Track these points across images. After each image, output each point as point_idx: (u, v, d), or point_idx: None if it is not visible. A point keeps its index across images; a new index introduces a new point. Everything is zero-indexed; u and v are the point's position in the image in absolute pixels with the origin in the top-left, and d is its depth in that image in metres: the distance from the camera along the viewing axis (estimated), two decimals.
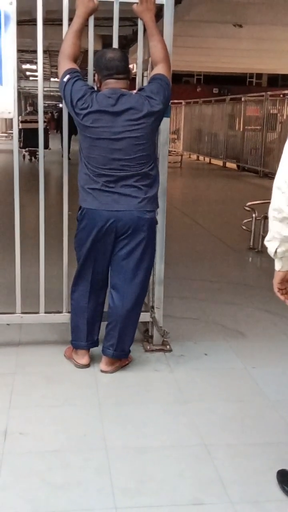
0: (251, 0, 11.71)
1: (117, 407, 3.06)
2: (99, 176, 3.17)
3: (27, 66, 25.87)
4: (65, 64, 3.22)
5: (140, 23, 3.41)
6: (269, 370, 3.54)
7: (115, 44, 3.47)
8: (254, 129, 16.68)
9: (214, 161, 19.56)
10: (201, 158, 21.02)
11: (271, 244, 2.18)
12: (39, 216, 3.62)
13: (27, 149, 15.68)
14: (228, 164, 18.26)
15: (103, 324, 3.48)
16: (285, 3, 11.04)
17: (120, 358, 3.45)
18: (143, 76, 3.54)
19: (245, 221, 7.09)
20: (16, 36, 3.36)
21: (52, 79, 26.88)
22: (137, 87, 3.38)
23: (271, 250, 2.19)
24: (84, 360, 3.47)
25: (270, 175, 13.76)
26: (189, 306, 4.64)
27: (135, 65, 3.69)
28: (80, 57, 3.69)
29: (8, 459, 2.57)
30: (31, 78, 31.34)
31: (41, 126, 3.63)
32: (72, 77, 3.16)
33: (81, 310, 3.44)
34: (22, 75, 29.54)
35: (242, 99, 17.46)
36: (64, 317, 3.67)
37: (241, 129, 17.47)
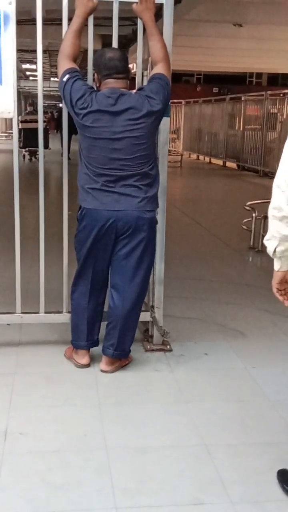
0: (250, 0, 11.71)
1: (117, 407, 3.06)
2: (99, 176, 3.17)
3: (27, 65, 25.85)
4: (64, 63, 3.22)
5: (139, 22, 3.41)
6: (269, 370, 3.54)
7: (115, 44, 3.47)
8: (254, 128, 16.68)
9: (214, 160, 19.56)
10: (201, 157, 21.03)
11: (270, 243, 2.17)
12: (39, 216, 3.62)
13: (27, 149, 15.68)
14: (228, 164, 18.26)
15: (103, 324, 3.48)
16: (285, 3, 11.03)
17: (120, 358, 3.45)
18: (143, 76, 3.54)
19: (245, 220, 7.09)
20: (16, 36, 3.36)
21: (52, 79, 26.87)
22: (136, 86, 3.38)
23: (270, 249, 2.18)
24: (84, 360, 3.46)
25: (270, 175, 13.75)
26: (189, 305, 4.64)
27: (134, 65, 3.69)
28: (80, 56, 3.69)
29: (8, 459, 2.57)
30: (31, 78, 31.34)
31: (41, 126, 3.62)
32: (72, 76, 3.15)
33: (81, 310, 3.44)
34: (22, 75, 29.54)
35: (242, 98, 17.46)
36: (64, 317, 3.67)
37: (241, 129, 17.47)
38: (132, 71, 3.59)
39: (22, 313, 3.67)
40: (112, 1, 3.38)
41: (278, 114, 15.52)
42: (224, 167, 18.31)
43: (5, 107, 3.42)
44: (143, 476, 2.49)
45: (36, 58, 3.56)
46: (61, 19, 3.37)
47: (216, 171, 17.35)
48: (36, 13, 3.33)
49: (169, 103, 3.35)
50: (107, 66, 3.16)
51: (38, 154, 3.74)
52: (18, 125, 13.13)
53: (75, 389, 3.23)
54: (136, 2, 3.31)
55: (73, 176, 3.35)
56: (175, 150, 21.20)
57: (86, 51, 3.47)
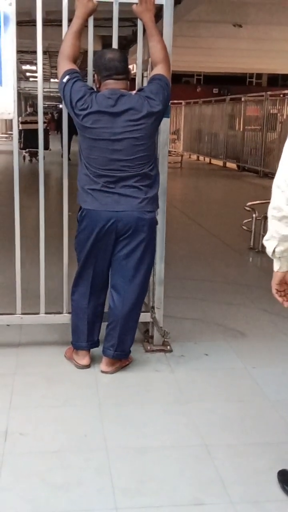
0: (250, 0, 11.72)
1: (118, 407, 3.06)
2: (99, 177, 3.17)
3: (27, 67, 25.88)
4: (64, 64, 3.22)
5: (139, 23, 3.42)
6: (269, 370, 3.55)
7: (115, 45, 3.48)
8: (254, 129, 16.68)
9: (214, 161, 19.56)
10: (201, 158, 21.02)
11: (269, 243, 2.17)
12: (39, 216, 3.62)
13: (27, 150, 15.68)
14: (228, 164, 18.26)
15: (104, 325, 3.48)
16: (284, 3, 11.04)
17: (121, 359, 3.45)
18: (143, 77, 3.54)
19: (245, 221, 7.09)
20: (16, 37, 3.36)
21: (52, 80, 26.89)
22: (136, 87, 3.38)
23: (269, 250, 2.18)
24: (84, 360, 3.47)
25: (270, 175, 13.75)
26: (189, 306, 4.64)
27: (134, 66, 3.69)
28: (80, 57, 3.69)
29: (8, 459, 2.57)
30: (31, 79, 31.36)
31: (41, 127, 3.63)
32: (72, 77, 3.16)
33: (81, 310, 3.44)
34: (22, 76, 29.55)
35: (242, 99, 17.46)
36: (64, 318, 3.67)
37: (241, 129, 17.47)
38: (132, 72, 3.59)
39: (22, 313, 3.68)
40: (112, 2, 3.39)
41: (278, 114, 15.52)
42: (224, 167, 18.31)
43: (5, 108, 3.42)
44: (143, 476, 2.49)
45: (36, 59, 3.57)
46: (61, 20, 3.37)
47: (216, 171, 17.35)
48: (36, 14, 3.34)
49: (169, 104, 3.35)
50: (107, 67, 3.17)
51: (38, 155, 3.74)
52: (18, 126, 13.14)
53: (75, 389, 3.24)
54: (136, 3, 3.32)
55: (73, 177, 3.35)
56: (175, 151, 21.20)
57: (86, 52, 3.47)
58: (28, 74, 29.65)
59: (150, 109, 3.14)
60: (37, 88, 3.67)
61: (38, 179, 3.59)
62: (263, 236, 2.22)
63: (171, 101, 3.47)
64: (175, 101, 21.99)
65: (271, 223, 2.14)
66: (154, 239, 3.38)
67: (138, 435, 2.80)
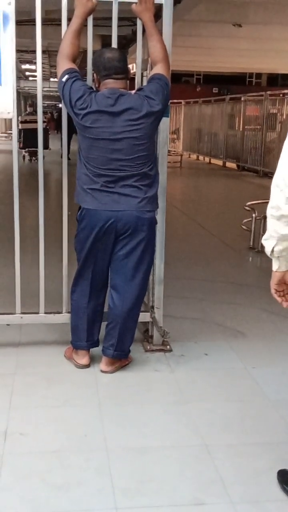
0: (250, 0, 11.71)
1: (117, 407, 3.06)
2: (99, 176, 3.17)
3: (27, 66, 25.88)
4: (64, 64, 3.21)
5: (139, 23, 3.41)
6: (269, 370, 3.54)
7: (114, 44, 3.47)
8: (254, 128, 16.68)
9: (214, 160, 19.55)
10: (201, 158, 21.02)
11: (268, 242, 2.16)
12: (39, 216, 3.62)
13: (26, 149, 15.67)
14: (228, 164, 18.26)
15: (103, 324, 3.48)
16: (284, 3, 11.03)
17: (120, 358, 3.45)
18: (142, 76, 3.54)
19: (245, 220, 7.09)
20: (15, 36, 3.35)
21: (51, 79, 26.90)
22: (136, 87, 3.38)
23: (268, 249, 2.17)
24: (84, 360, 3.46)
25: (270, 175, 13.74)
26: (189, 306, 4.64)
27: (134, 65, 3.69)
28: (80, 57, 3.68)
29: (8, 459, 2.57)
30: (30, 78, 31.36)
31: (40, 126, 3.62)
32: (71, 77, 3.15)
33: (81, 310, 3.43)
34: (21, 75, 29.55)
35: (242, 98, 17.45)
36: (64, 318, 3.67)
37: (241, 129, 17.47)
38: (132, 71, 3.59)
39: (22, 313, 3.67)
40: (112, 2, 3.39)
41: (278, 114, 15.52)
42: (224, 167, 18.31)
43: (4, 108, 3.42)
44: (143, 476, 2.49)
45: (35, 59, 3.56)
46: (60, 20, 3.37)
47: (216, 171, 17.35)
48: (35, 14, 3.33)
49: (169, 103, 3.35)
50: (106, 67, 3.16)
51: (38, 155, 3.74)
52: (18, 126, 13.12)
53: (75, 389, 3.23)
54: (136, 3, 3.31)
55: (73, 176, 3.35)
56: (174, 151, 21.19)
57: (85, 51, 3.47)
58: (27, 73, 29.67)
59: (150, 109, 3.14)
60: (36, 87, 3.67)
61: (38, 178, 3.59)
62: (262, 235, 2.21)
63: (170, 101, 3.47)
64: (175, 101, 21.98)
65: (270, 222, 2.14)
66: (153, 238, 3.37)
67: (138, 435, 2.80)
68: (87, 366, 3.46)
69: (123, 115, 3.10)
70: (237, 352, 3.78)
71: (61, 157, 3.85)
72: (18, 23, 3.47)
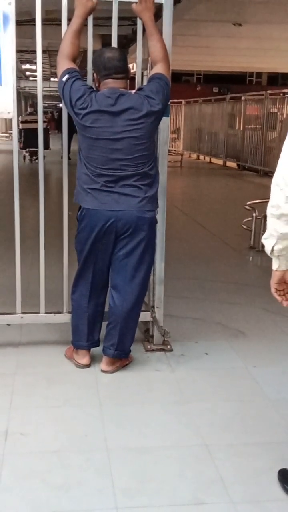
0: None
1: (118, 407, 3.06)
2: (99, 176, 3.16)
3: (27, 66, 25.87)
4: (64, 64, 3.21)
5: (139, 22, 3.41)
6: (270, 369, 3.54)
7: (115, 44, 3.47)
8: (254, 128, 16.68)
9: (214, 160, 19.55)
10: (201, 157, 21.02)
11: (268, 241, 2.16)
12: (39, 216, 3.62)
13: (27, 149, 15.67)
14: (229, 163, 18.26)
15: (104, 324, 3.48)
16: (284, 2, 11.02)
17: (121, 358, 3.45)
18: (142, 76, 3.54)
19: (246, 220, 7.09)
20: (16, 36, 3.35)
21: (52, 79, 26.88)
22: (136, 86, 3.38)
23: (268, 248, 2.17)
24: (84, 360, 3.46)
25: (270, 174, 13.71)
26: (189, 305, 4.64)
27: (134, 65, 3.68)
28: (80, 56, 3.68)
29: (8, 459, 2.57)
30: (31, 78, 31.35)
31: (40, 126, 3.62)
32: (71, 76, 3.15)
33: (81, 310, 3.43)
34: (22, 75, 29.54)
35: (242, 98, 17.45)
36: (65, 317, 3.67)
37: (241, 128, 17.46)
38: (132, 71, 3.59)
39: (23, 313, 3.67)
40: (112, 1, 3.38)
41: (278, 113, 15.51)
42: (224, 166, 18.30)
43: (4, 108, 3.42)
44: (143, 476, 2.49)
45: (36, 58, 3.56)
46: (60, 19, 3.37)
47: (216, 170, 17.35)
48: (35, 13, 3.33)
49: (169, 103, 3.34)
50: (106, 66, 3.16)
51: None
52: (19, 126, 13.09)
53: (75, 389, 3.23)
54: (136, 2, 3.31)
55: (74, 176, 3.34)
56: (175, 150, 21.19)
57: (85, 51, 3.47)
58: (28, 73, 29.64)
59: (150, 108, 3.13)
60: (37, 87, 3.67)
61: (38, 178, 3.59)
62: (263, 235, 2.21)
63: (171, 100, 3.46)
64: (175, 100, 21.97)
65: (270, 221, 2.14)
66: (154, 238, 3.37)
67: (139, 435, 2.80)
68: (88, 366, 3.46)
69: (123, 114, 3.10)
70: (237, 352, 3.78)
71: (61, 157, 3.85)
72: (18, 23, 3.47)
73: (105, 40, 13.27)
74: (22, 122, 16.18)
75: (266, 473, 2.50)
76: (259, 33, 14.14)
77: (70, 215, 3.56)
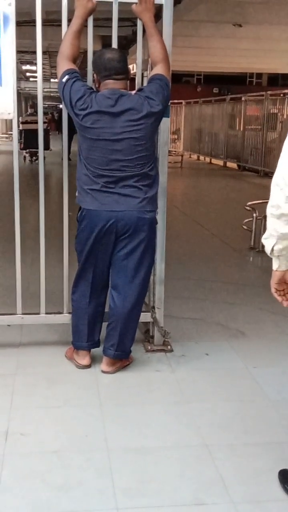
0: (250, 0, 11.71)
1: (118, 408, 3.06)
2: (99, 177, 3.17)
3: (27, 67, 25.88)
4: (64, 64, 3.22)
5: (139, 23, 3.41)
6: (270, 370, 3.54)
7: (115, 45, 3.47)
8: (255, 128, 16.68)
9: (214, 161, 19.55)
10: (201, 158, 21.02)
11: (268, 241, 2.16)
12: (39, 217, 3.62)
13: (27, 150, 15.67)
14: (229, 164, 18.26)
15: (104, 325, 3.48)
16: (284, 2, 11.03)
17: (121, 359, 3.45)
18: (142, 76, 3.54)
19: (246, 220, 7.09)
20: (16, 37, 3.36)
21: (52, 80, 26.89)
22: (136, 87, 3.38)
23: (267, 248, 2.17)
24: (85, 360, 3.47)
25: (270, 175, 13.64)
26: (190, 306, 4.64)
27: (134, 65, 3.69)
28: (80, 57, 3.68)
29: (9, 459, 2.57)
30: (31, 79, 31.36)
31: (40, 127, 3.62)
32: (71, 77, 3.15)
33: (82, 310, 3.44)
34: (22, 76, 29.55)
35: (242, 98, 17.45)
36: (65, 318, 3.67)
37: (242, 129, 17.47)
38: (132, 71, 3.59)
39: (23, 314, 3.68)
40: (112, 2, 3.39)
41: (279, 114, 15.51)
42: (224, 167, 18.30)
43: (5, 108, 3.42)
44: (144, 476, 2.49)
45: (36, 59, 3.56)
46: (60, 20, 3.37)
47: (216, 171, 17.35)
48: (35, 14, 3.33)
49: (169, 103, 3.35)
50: (106, 67, 3.16)
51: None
52: (19, 126, 13.08)
53: (76, 389, 3.24)
54: (136, 3, 3.31)
55: (74, 177, 3.35)
56: (175, 151, 21.18)
57: (86, 52, 3.47)
58: (28, 74, 29.64)
59: (150, 109, 3.14)
60: (37, 88, 3.67)
61: (38, 179, 3.59)
62: (263, 235, 2.21)
63: (171, 101, 3.47)
64: (175, 101, 21.99)
65: (270, 221, 2.14)
66: (154, 238, 3.37)
67: (139, 435, 2.80)
68: (88, 366, 3.46)
69: (123, 115, 3.10)
70: (237, 352, 3.78)
71: (62, 159, 3.85)
72: (19, 24, 3.47)
73: (105, 41, 13.28)
74: (22, 123, 16.17)
75: (267, 473, 2.50)
76: (259, 33, 14.14)
77: (70, 215, 3.56)
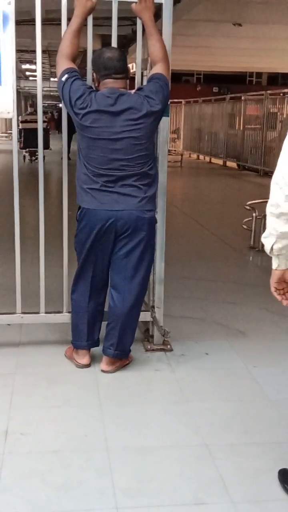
0: None
1: (118, 407, 3.06)
2: (99, 176, 3.16)
3: (27, 66, 25.88)
4: (63, 63, 3.21)
5: (139, 22, 3.41)
6: (270, 369, 3.54)
7: (114, 44, 3.47)
8: (254, 128, 16.68)
9: (214, 160, 19.55)
10: (201, 157, 21.02)
11: (267, 240, 2.16)
12: (39, 216, 3.62)
13: (27, 149, 15.67)
14: (229, 163, 18.26)
15: (104, 324, 3.48)
16: (284, 2, 11.03)
17: (121, 358, 3.45)
18: (142, 76, 3.53)
19: (246, 220, 7.09)
20: (15, 36, 3.35)
21: (51, 79, 26.90)
22: (136, 86, 3.37)
23: (267, 247, 2.16)
24: (85, 360, 3.46)
25: (270, 174, 13.67)
26: (189, 305, 4.64)
27: (134, 65, 3.68)
28: (80, 56, 3.68)
29: (9, 459, 2.56)
30: (30, 78, 31.36)
31: (40, 126, 3.62)
32: (71, 76, 3.15)
33: (81, 310, 3.43)
34: (21, 75, 29.55)
35: (242, 98, 17.45)
36: (65, 317, 3.67)
37: (241, 128, 17.46)
38: (132, 71, 3.58)
39: (23, 313, 3.67)
40: (111, 1, 3.38)
41: (278, 113, 15.51)
42: (224, 166, 18.30)
43: (4, 107, 3.42)
44: (144, 476, 2.49)
45: (35, 58, 3.56)
46: (60, 19, 3.37)
47: (216, 170, 17.35)
48: (35, 13, 3.33)
49: (169, 103, 3.34)
50: (106, 66, 3.16)
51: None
52: (18, 126, 13.06)
53: (75, 389, 3.23)
54: (135, 2, 3.31)
55: (73, 176, 3.34)
56: (175, 150, 21.18)
57: (85, 51, 3.46)
58: (27, 73, 29.65)
59: (150, 109, 3.13)
60: (36, 87, 3.67)
61: (38, 178, 3.59)
62: (263, 234, 2.21)
63: (171, 100, 3.46)
64: (175, 100, 21.97)
65: (269, 220, 2.13)
66: (153, 238, 3.37)
67: (139, 434, 2.80)
68: (88, 365, 3.46)
69: (123, 114, 3.10)
70: (237, 352, 3.78)
71: (61, 158, 3.85)
72: (18, 23, 3.46)
73: (105, 40, 13.28)
74: (22, 122, 16.18)
75: (266, 473, 2.50)
76: (259, 33, 14.15)
77: (70, 214, 3.55)
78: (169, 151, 3.81)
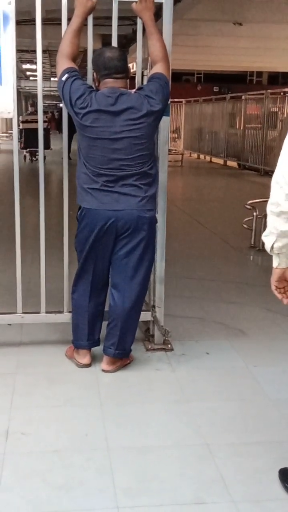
0: None
1: (119, 407, 3.06)
2: (99, 176, 3.16)
3: (27, 66, 25.86)
4: (63, 63, 3.21)
5: (139, 22, 3.41)
6: (271, 369, 3.54)
7: (115, 43, 3.47)
8: (255, 127, 16.68)
9: (214, 159, 19.55)
10: (201, 156, 21.02)
11: (267, 239, 2.16)
12: (39, 216, 3.62)
13: (28, 149, 15.66)
14: (229, 163, 18.26)
15: (104, 324, 3.48)
16: (284, 1, 11.03)
17: (121, 358, 3.45)
18: (142, 75, 3.53)
19: (246, 219, 7.09)
20: (16, 36, 3.35)
21: (52, 79, 26.89)
22: (136, 86, 3.38)
23: (267, 246, 2.17)
24: (85, 359, 3.46)
25: (271, 173, 13.61)
26: (190, 305, 4.64)
27: (134, 64, 3.68)
28: (80, 56, 3.68)
29: (9, 459, 2.57)
30: (31, 78, 31.35)
31: (40, 126, 3.62)
32: (71, 76, 3.15)
33: (82, 309, 3.44)
34: (22, 75, 29.54)
35: (243, 97, 17.45)
36: (65, 317, 3.67)
37: (242, 128, 17.47)
38: (132, 70, 3.59)
39: (23, 313, 3.67)
40: (112, 1, 3.38)
41: (279, 112, 15.51)
42: (224, 166, 18.30)
43: (5, 107, 3.42)
44: (144, 475, 2.49)
45: (36, 58, 3.56)
46: (60, 19, 3.37)
47: (216, 170, 17.34)
48: (35, 13, 3.33)
49: (169, 102, 3.34)
50: (106, 66, 3.16)
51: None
52: (19, 125, 13.06)
53: (76, 389, 3.23)
54: (136, 2, 3.31)
55: (74, 176, 3.34)
56: (175, 150, 21.19)
57: (85, 50, 3.46)
58: (28, 73, 29.64)
59: (150, 108, 3.13)
60: (37, 87, 3.67)
61: (39, 178, 3.59)
62: (263, 233, 2.21)
63: (171, 100, 3.46)
64: (176, 100, 21.97)
65: (270, 219, 2.14)
66: (154, 237, 3.37)
67: (139, 434, 2.80)
68: (88, 365, 3.46)
69: (123, 114, 3.10)
70: (238, 351, 3.78)
71: (62, 158, 3.85)
72: (18, 22, 3.47)
73: (105, 40, 13.26)
74: (22, 122, 16.17)
75: (267, 473, 2.50)
76: (259, 32, 14.14)
77: (70, 214, 3.56)
78: (169, 150, 3.81)
